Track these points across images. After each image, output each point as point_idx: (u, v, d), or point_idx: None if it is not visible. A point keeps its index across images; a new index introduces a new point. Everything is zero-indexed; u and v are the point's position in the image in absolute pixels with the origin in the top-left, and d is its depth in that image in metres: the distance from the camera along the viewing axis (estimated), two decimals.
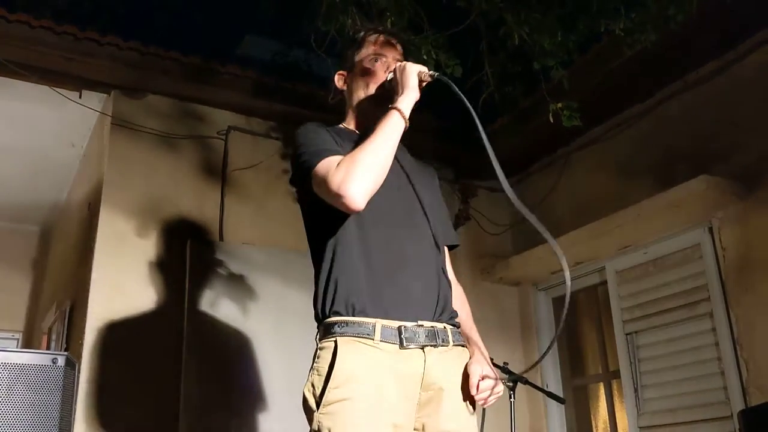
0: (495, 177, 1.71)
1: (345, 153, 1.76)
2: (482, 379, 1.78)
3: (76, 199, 5.11)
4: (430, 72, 1.82)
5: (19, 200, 5.82)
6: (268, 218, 4.24)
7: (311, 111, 4.26)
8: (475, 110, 1.77)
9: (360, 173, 1.65)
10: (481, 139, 1.72)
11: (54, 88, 4.02)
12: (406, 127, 1.77)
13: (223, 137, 4.34)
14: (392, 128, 1.74)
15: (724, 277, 3.77)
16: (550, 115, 3.58)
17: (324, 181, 1.68)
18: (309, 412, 1.69)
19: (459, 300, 1.96)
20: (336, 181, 1.65)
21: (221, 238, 4.12)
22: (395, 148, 1.74)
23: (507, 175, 1.74)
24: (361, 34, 2.03)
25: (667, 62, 3.92)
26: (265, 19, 4.98)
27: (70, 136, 4.76)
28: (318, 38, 3.51)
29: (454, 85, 1.76)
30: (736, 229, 3.74)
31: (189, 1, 5.60)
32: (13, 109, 4.39)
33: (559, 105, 3.56)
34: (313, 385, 1.69)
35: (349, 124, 2.01)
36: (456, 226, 4.75)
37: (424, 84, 1.82)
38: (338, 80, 2.05)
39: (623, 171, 4.41)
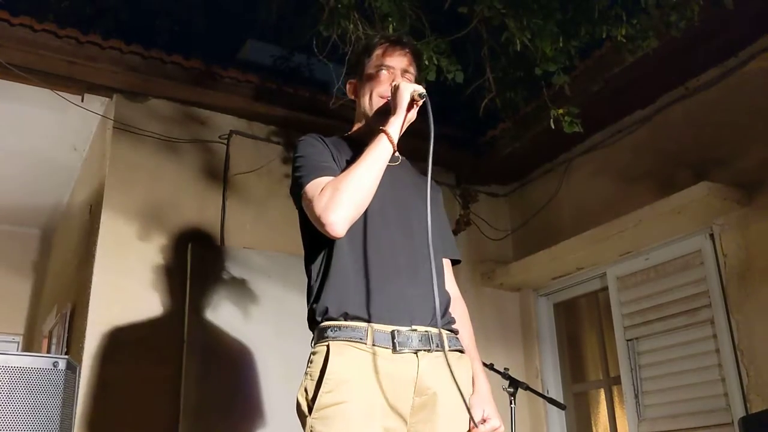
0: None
1: (341, 167, 1.80)
2: (484, 422, 1.82)
3: (77, 203, 5.12)
4: (419, 92, 1.81)
5: (21, 203, 5.82)
6: (270, 222, 4.24)
7: (313, 115, 4.28)
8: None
9: (341, 202, 1.67)
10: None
11: (56, 92, 4.02)
12: (394, 150, 1.78)
13: (225, 141, 4.35)
14: (378, 153, 1.75)
15: (725, 284, 3.76)
16: (552, 121, 3.58)
17: (309, 205, 1.72)
18: (302, 417, 1.69)
19: (462, 320, 1.96)
20: (318, 208, 1.68)
21: (222, 242, 4.12)
22: (381, 172, 1.75)
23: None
24: (372, 42, 2.03)
25: (669, 69, 3.93)
26: (267, 23, 5.00)
27: (72, 140, 4.76)
28: (319, 43, 3.52)
29: (429, 109, 1.75)
30: (737, 235, 3.74)
31: (191, 5, 5.61)
32: (15, 112, 4.39)
33: (561, 111, 3.56)
34: (306, 390, 1.70)
35: (354, 132, 2.03)
36: (457, 231, 4.75)
37: (418, 104, 1.82)
38: (348, 89, 2.08)
39: (624, 177, 4.41)
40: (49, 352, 5.05)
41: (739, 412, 3.54)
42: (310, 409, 1.65)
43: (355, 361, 1.67)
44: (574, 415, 4.81)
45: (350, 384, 1.65)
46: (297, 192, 1.80)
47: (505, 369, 3.47)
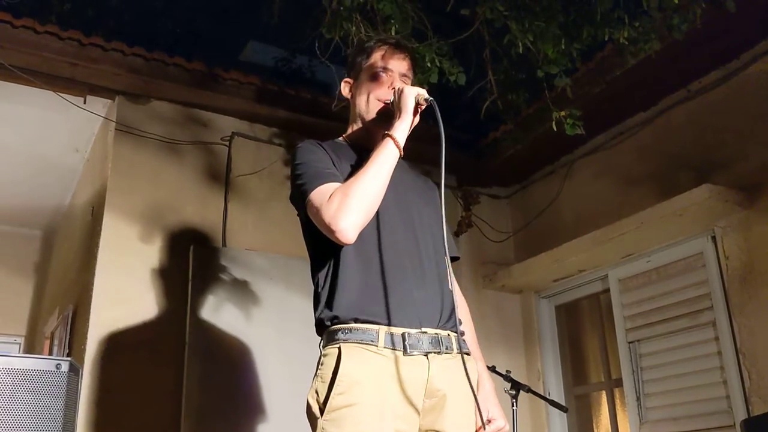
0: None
1: (342, 172, 1.79)
2: (489, 422, 1.84)
3: (79, 204, 5.12)
4: (425, 96, 1.80)
5: (23, 204, 5.83)
6: (271, 224, 4.24)
7: (314, 118, 4.29)
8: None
9: (351, 208, 1.66)
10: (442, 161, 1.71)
11: (59, 94, 4.02)
12: (400, 155, 1.77)
13: (227, 143, 4.35)
14: (385, 158, 1.75)
15: (727, 286, 3.76)
16: (554, 123, 3.59)
17: (317, 213, 1.71)
18: (313, 419, 1.69)
19: (465, 320, 1.97)
20: (328, 216, 1.67)
21: (224, 243, 4.12)
22: (389, 177, 1.75)
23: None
24: (371, 43, 2.02)
25: (671, 71, 3.93)
26: (269, 25, 5.00)
27: (75, 141, 4.77)
28: (322, 45, 3.52)
29: (438, 113, 1.74)
30: (739, 237, 3.74)
31: (193, 7, 5.62)
32: (17, 113, 4.40)
33: (563, 113, 3.56)
34: (317, 392, 1.70)
35: (351, 135, 2.02)
36: (458, 233, 4.75)
37: (422, 108, 1.82)
38: (344, 87, 2.05)
39: (626, 179, 4.41)
40: (50, 353, 5.05)
41: (740, 414, 3.54)
42: (322, 411, 1.65)
43: (366, 363, 1.67)
44: (576, 417, 4.81)
45: (362, 386, 1.65)
46: (300, 200, 1.79)
47: (507, 371, 3.47)
